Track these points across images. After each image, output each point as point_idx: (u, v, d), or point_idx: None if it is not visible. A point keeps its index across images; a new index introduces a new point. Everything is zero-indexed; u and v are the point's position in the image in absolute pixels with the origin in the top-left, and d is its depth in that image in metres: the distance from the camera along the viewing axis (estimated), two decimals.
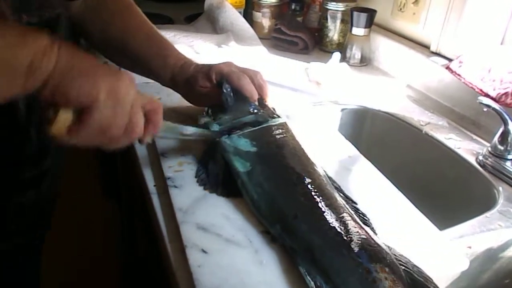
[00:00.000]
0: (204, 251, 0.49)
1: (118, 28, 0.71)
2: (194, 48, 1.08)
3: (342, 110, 0.97)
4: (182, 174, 0.61)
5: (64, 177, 0.73)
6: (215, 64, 0.69)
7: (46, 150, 0.64)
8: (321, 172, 0.58)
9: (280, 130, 0.64)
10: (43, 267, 0.79)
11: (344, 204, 0.53)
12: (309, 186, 0.54)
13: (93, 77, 0.43)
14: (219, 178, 0.59)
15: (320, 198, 0.52)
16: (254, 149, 0.60)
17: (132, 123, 0.47)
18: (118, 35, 0.71)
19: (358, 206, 0.56)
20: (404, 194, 0.61)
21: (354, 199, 0.58)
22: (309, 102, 0.94)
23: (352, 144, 0.74)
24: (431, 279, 0.45)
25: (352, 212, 0.52)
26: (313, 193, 0.53)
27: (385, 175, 0.65)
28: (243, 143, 0.61)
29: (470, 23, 0.93)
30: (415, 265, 0.47)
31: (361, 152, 0.71)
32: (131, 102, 0.47)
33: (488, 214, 0.64)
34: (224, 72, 0.68)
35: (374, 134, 0.98)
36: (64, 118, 0.43)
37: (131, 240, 1.29)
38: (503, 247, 0.62)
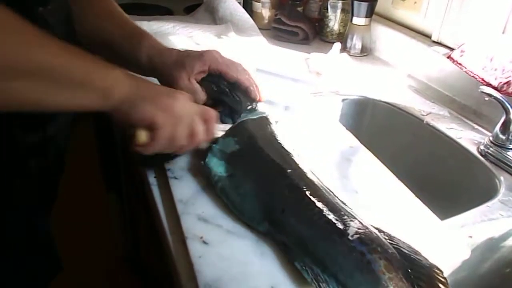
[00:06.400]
0: (204, 242, 0.49)
1: (94, 14, 0.70)
2: (194, 39, 1.08)
3: (343, 100, 0.96)
4: (182, 165, 0.61)
5: (69, 153, 0.72)
6: (207, 50, 0.67)
7: (49, 115, 0.63)
8: (299, 161, 0.57)
9: (260, 123, 0.64)
10: None
11: (325, 188, 0.53)
12: (291, 177, 0.53)
13: (152, 103, 0.52)
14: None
15: (304, 187, 0.51)
16: (237, 147, 0.59)
17: (193, 133, 0.56)
18: (94, 21, 0.70)
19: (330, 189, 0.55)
20: (405, 184, 0.61)
21: (355, 189, 0.58)
22: (310, 92, 0.93)
23: (353, 134, 0.73)
24: (420, 252, 0.46)
25: (335, 196, 0.52)
26: (296, 183, 0.52)
27: (386, 165, 0.65)
28: (227, 143, 0.59)
29: (472, 12, 0.92)
30: (404, 242, 0.47)
31: (362, 143, 0.71)
32: (189, 116, 0.55)
33: (489, 203, 0.64)
34: (219, 62, 0.66)
35: (375, 124, 0.98)
36: (140, 135, 0.52)
37: (133, 232, 1.29)
38: (504, 237, 0.61)
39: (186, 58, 0.66)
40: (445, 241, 0.52)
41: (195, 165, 0.61)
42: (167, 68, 0.66)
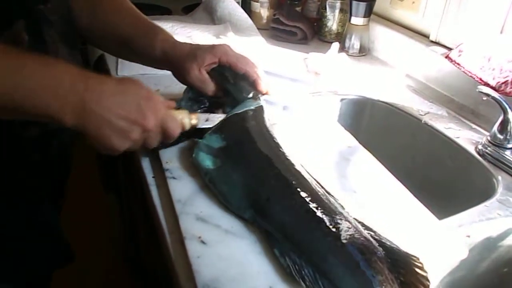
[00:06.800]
0: (203, 242, 0.49)
1: (105, 11, 0.71)
2: (192, 39, 1.08)
3: (341, 100, 0.97)
4: (181, 166, 0.61)
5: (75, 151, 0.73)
6: (218, 44, 0.69)
7: None
8: (287, 152, 0.58)
9: (249, 115, 0.64)
10: None
11: (311, 180, 0.54)
12: (278, 167, 0.54)
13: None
14: None
15: (290, 177, 0.53)
16: (224, 143, 0.60)
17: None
18: (105, 18, 0.71)
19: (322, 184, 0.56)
20: (403, 184, 0.61)
21: (354, 189, 0.58)
22: (308, 92, 0.94)
23: (352, 134, 0.73)
24: (394, 243, 0.47)
25: (320, 189, 0.53)
26: (282, 174, 0.53)
27: (384, 165, 0.65)
28: (214, 139, 0.61)
29: (470, 12, 0.93)
30: (382, 235, 0.48)
31: (360, 142, 0.71)
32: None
33: (487, 203, 0.64)
34: (230, 54, 0.68)
35: (374, 124, 0.98)
36: None
37: (133, 232, 1.29)
38: (502, 236, 0.62)
39: (197, 50, 0.68)
40: (443, 240, 0.53)
41: (193, 165, 0.62)
42: (180, 60, 0.68)
